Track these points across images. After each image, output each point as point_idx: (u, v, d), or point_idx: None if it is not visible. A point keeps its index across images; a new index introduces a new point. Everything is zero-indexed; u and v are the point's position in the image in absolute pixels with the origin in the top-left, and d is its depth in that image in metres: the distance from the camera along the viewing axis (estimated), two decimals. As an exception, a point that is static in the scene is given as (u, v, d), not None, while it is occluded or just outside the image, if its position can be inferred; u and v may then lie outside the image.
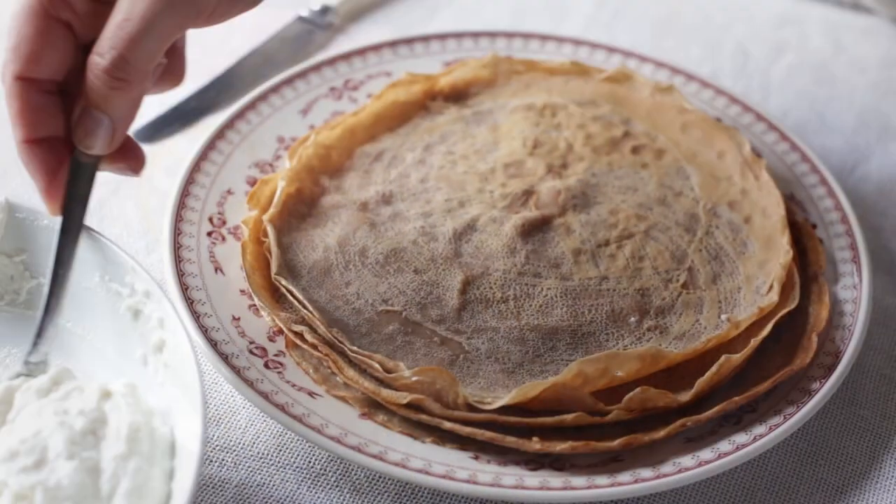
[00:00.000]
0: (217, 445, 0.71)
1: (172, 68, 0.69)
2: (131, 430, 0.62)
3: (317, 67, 0.89)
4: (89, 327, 0.69)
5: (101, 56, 0.62)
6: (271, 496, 0.70)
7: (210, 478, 0.70)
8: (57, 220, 0.68)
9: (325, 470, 0.71)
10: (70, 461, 0.60)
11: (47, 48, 0.64)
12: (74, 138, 0.65)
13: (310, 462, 0.71)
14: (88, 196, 0.67)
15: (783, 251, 0.78)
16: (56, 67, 0.64)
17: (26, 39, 0.64)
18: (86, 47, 0.64)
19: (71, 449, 0.61)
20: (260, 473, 0.70)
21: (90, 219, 0.82)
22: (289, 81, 0.87)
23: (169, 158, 0.87)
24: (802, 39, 1.04)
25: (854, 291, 0.78)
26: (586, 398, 0.70)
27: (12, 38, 0.64)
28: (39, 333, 0.67)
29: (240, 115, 0.84)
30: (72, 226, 0.67)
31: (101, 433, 0.62)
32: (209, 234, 0.78)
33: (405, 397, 0.69)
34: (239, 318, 0.73)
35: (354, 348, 0.71)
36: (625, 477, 0.68)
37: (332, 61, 0.89)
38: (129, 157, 0.67)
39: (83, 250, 0.69)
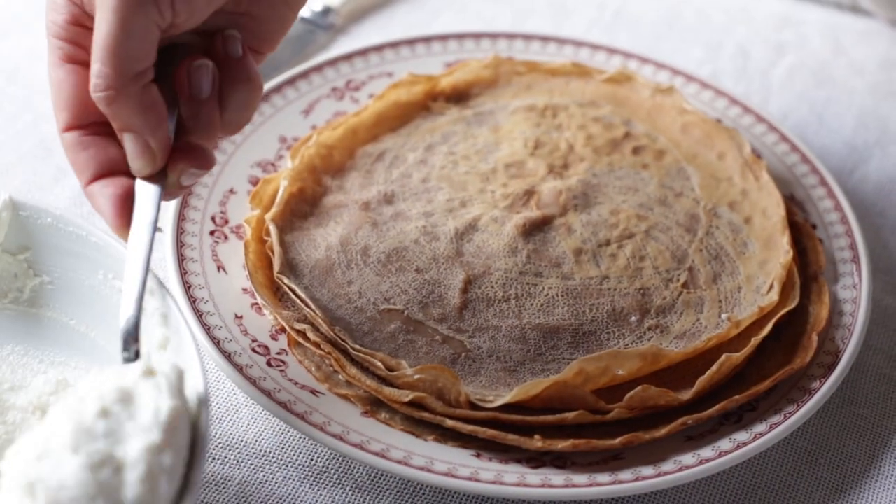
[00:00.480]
0: (219, 443, 0.72)
1: (235, 77, 0.65)
2: (171, 416, 0.56)
3: (319, 68, 0.89)
4: (92, 324, 0.70)
5: (91, 77, 0.62)
6: (273, 494, 0.70)
7: (212, 475, 0.70)
8: (60, 217, 0.68)
9: (328, 468, 0.71)
10: (75, 455, 0.54)
11: (77, 94, 0.64)
12: (130, 168, 0.64)
13: (312, 460, 0.71)
14: (153, 221, 0.64)
15: (783, 251, 0.79)
16: (93, 109, 0.64)
17: (58, 91, 0.64)
18: None
19: (76, 439, 0.55)
20: (262, 471, 0.71)
21: (92, 218, 0.83)
22: (291, 81, 0.88)
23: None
24: (802, 41, 1.04)
25: (854, 291, 0.79)
26: (587, 396, 0.70)
27: (51, 94, 0.65)
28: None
29: (242, 114, 0.84)
30: (137, 252, 0.64)
31: (123, 417, 0.56)
32: (212, 233, 0.78)
33: (407, 395, 0.70)
34: (241, 317, 0.74)
35: (357, 346, 0.71)
36: (626, 475, 0.68)
37: (333, 62, 0.90)
38: (189, 157, 0.65)
39: (87, 248, 0.69)
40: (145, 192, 0.64)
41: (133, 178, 0.65)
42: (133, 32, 0.61)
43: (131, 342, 0.62)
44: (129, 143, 0.63)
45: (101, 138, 0.64)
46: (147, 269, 0.63)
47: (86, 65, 0.64)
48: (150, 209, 0.64)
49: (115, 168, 0.64)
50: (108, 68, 0.60)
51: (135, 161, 0.63)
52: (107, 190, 0.64)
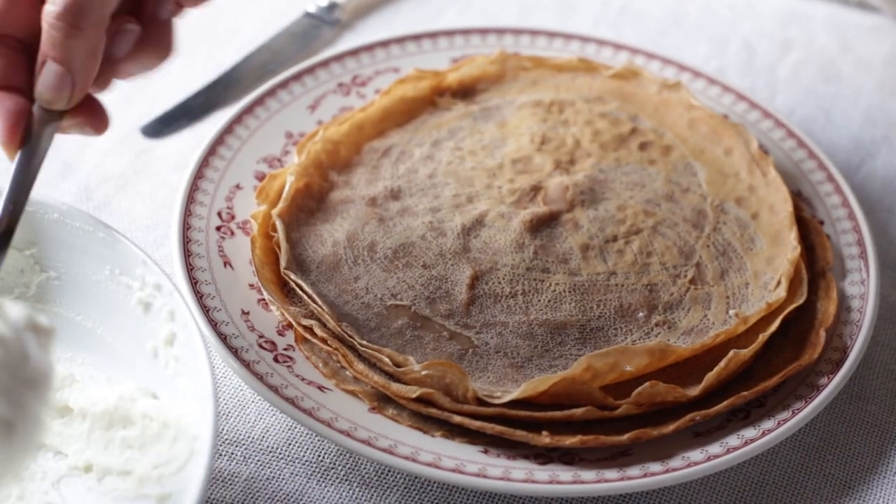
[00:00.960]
0: (227, 439, 0.72)
1: (154, 39, 0.67)
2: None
3: (325, 63, 0.89)
4: (99, 320, 0.70)
5: (54, 3, 0.61)
6: (281, 490, 0.70)
7: (220, 471, 0.70)
8: (66, 213, 0.68)
9: (335, 464, 0.71)
10: None
11: (6, 6, 0.64)
12: (35, 93, 0.64)
13: (319, 456, 0.71)
14: (44, 153, 0.65)
15: (791, 247, 0.78)
16: (17, 25, 0.64)
17: None
18: None
19: None
20: (269, 467, 0.71)
21: (98, 214, 0.83)
22: (297, 77, 0.87)
23: (177, 154, 0.87)
24: (808, 37, 1.04)
25: (861, 287, 0.78)
26: (595, 392, 0.70)
27: None
28: None
29: (248, 110, 0.84)
30: (24, 177, 0.65)
31: None
32: (218, 228, 0.78)
33: (415, 391, 0.70)
34: (248, 313, 0.74)
35: (364, 342, 0.71)
36: (634, 471, 0.68)
37: (339, 57, 0.89)
38: (90, 114, 0.66)
39: (93, 244, 0.69)
40: (43, 125, 0.65)
41: (31, 100, 0.65)
42: None
43: None
44: (52, 74, 0.63)
45: (16, 55, 0.65)
46: (28, 192, 0.64)
47: None
48: (44, 143, 0.65)
49: (10, 83, 0.64)
50: (79, 4, 0.61)
51: (50, 92, 0.64)
52: (8, 104, 0.64)
